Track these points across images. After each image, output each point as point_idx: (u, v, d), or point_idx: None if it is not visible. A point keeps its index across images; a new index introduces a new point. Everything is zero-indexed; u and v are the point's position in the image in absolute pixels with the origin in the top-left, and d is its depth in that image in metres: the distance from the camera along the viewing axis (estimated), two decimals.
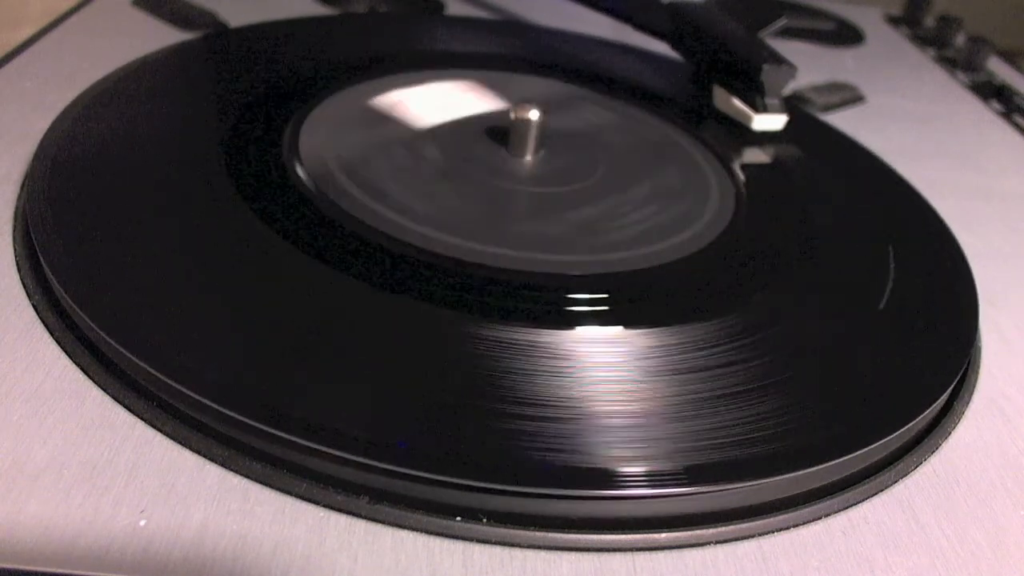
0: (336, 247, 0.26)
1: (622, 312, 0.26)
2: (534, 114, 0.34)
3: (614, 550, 0.20)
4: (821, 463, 0.22)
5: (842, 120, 0.46)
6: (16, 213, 0.28)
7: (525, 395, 0.22)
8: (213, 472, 0.20)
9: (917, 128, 0.47)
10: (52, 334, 0.23)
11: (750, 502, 0.21)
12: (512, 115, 0.34)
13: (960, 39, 0.64)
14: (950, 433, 0.25)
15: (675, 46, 0.46)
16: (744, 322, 0.26)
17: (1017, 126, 0.50)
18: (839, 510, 0.22)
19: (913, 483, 0.23)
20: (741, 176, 0.36)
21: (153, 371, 0.21)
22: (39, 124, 0.32)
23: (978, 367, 0.28)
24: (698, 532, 0.20)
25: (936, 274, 0.31)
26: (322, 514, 0.19)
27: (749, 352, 0.25)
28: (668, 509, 0.21)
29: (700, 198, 0.34)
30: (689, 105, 0.43)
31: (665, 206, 0.33)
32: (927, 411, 0.24)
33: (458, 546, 0.19)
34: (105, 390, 0.22)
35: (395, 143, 0.34)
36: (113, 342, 0.21)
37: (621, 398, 0.23)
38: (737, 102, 0.41)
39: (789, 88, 0.44)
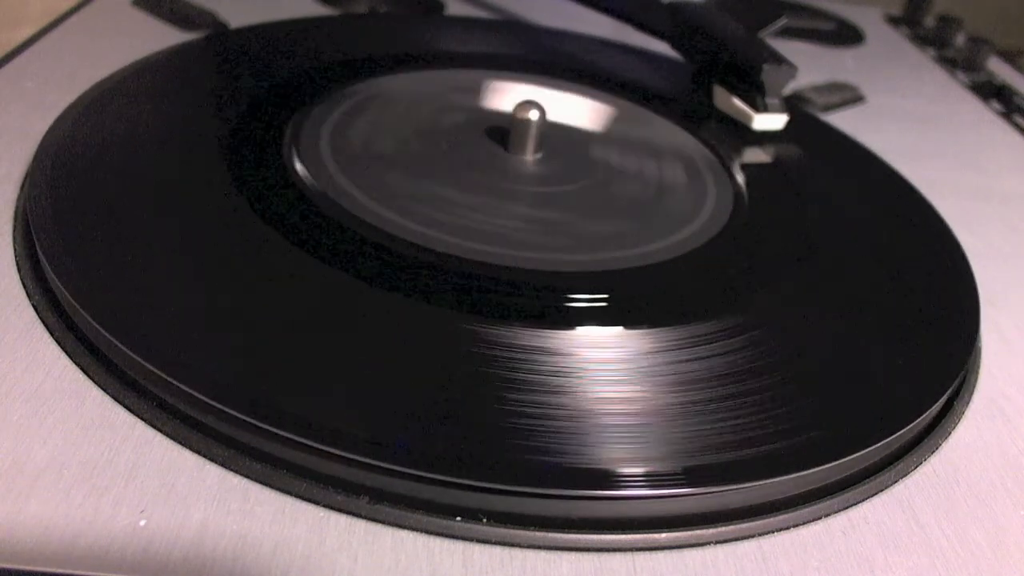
0: (337, 247, 0.26)
1: (622, 312, 0.26)
2: (534, 114, 0.34)
3: (614, 550, 0.20)
4: (821, 463, 0.22)
5: (842, 120, 0.46)
6: (16, 213, 0.28)
7: (525, 395, 0.22)
8: (213, 472, 0.20)
9: (917, 128, 0.47)
10: (52, 334, 0.23)
11: (750, 502, 0.21)
12: (512, 115, 0.34)
13: (960, 39, 0.64)
14: (950, 433, 0.25)
15: (675, 46, 0.46)
16: (744, 322, 0.26)
17: (1017, 126, 0.50)
18: (839, 510, 0.22)
19: (913, 483, 0.23)
20: (741, 176, 0.36)
21: (153, 369, 0.21)
22: (39, 124, 0.32)
23: (978, 367, 0.28)
24: (698, 532, 0.20)
25: (936, 274, 0.31)
26: (322, 514, 0.19)
27: (749, 352, 0.25)
28: (668, 509, 0.21)
29: (700, 198, 0.34)
30: (689, 105, 0.43)
31: (666, 206, 0.33)
32: (927, 411, 0.24)
33: (458, 546, 0.19)
34: (105, 390, 0.22)
35: (395, 143, 0.34)
36: (114, 340, 0.21)
37: (621, 398, 0.23)
38: (737, 102, 0.41)
39: (789, 88, 0.44)
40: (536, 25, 0.53)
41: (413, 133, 0.36)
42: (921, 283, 0.30)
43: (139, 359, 0.21)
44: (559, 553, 0.19)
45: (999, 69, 0.59)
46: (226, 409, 0.20)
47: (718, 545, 0.20)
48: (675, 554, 0.20)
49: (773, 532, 0.21)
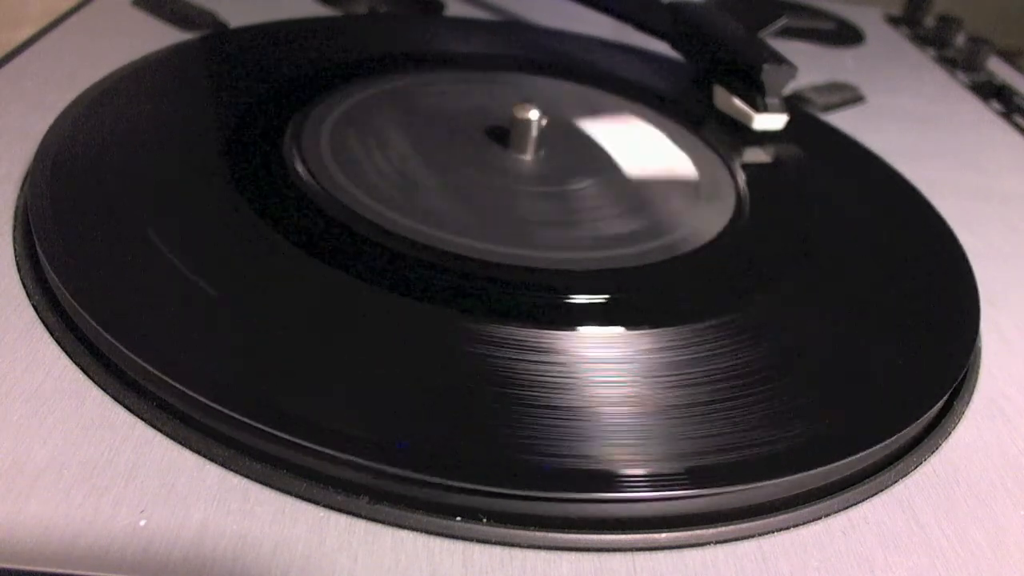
0: (337, 246, 0.26)
1: (622, 312, 0.26)
2: (534, 114, 0.34)
3: (614, 550, 0.20)
4: (821, 463, 0.22)
5: (842, 120, 0.46)
6: (16, 213, 0.28)
7: (525, 395, 0.22)
8: (213, 472, 0.20)
9: (917, 128, 0.47)
10: (52, 334, 0.23)
11: (750, 502, 0.21)
12: (512, 115, 0.34)
13: (960, 39, 0.64)
14: (950, 433, 0.25)
15: (675, 46, 0.46)
16: (744, 322, 0.26)
17: (1017, 126, 0.50)
18: (839, 510, 0.22)
19: (913, 483, 0.23)
20: (742, 175, 0.36)
21: (153, 370, 0.21)
22: (39, 124, 0.32)
23: (978, 367, 0.28)
24: (698, 532, 0.20)
25: (936, 274, 0.31)
26: (322, 514, 0.19)
27: (749, 352, 0.25)
28: (668, 509, 0.21)
29: (700, 197, 0.34)
30: (689, 105, 0.43)
31: (666, 205, 0.33)
32: (927, 411, 0.24)
33: (458, 546, 0.19)
34: (105, 390, 0.22)
35: (396, 142, 0.34)
36: (114, 341, 0.21)
37: (621, 398, 0.23)
38: (738, 102, 0.41)
39: (789, 88, 0.44)
40: (536, 25, 0.53)
41: (413, 133, 0.36)
42: (921, 283, 0.30)
43: (139, 360, 0.21)
44: (559, 553, 0.19)
45: (999, 69, 0.59)
46: (226, 411, 0.20)
47: (718, 545, 0.20)
48: (675, 554, 0.20)
49: (773, 532, 0.21)
